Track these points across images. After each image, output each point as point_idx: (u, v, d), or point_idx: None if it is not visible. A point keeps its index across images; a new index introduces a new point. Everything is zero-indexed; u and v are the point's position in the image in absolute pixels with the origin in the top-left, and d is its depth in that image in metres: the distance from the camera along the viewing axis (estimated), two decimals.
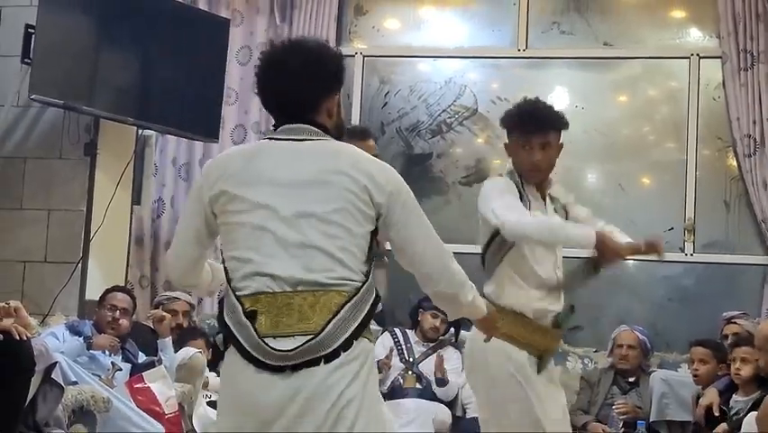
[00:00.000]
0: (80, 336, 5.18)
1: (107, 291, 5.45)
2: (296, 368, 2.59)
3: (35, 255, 5.90)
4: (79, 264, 5.87)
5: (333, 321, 2.61)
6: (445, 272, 2.80)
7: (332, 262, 2.66)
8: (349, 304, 2.65)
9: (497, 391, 3.58)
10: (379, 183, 2.73)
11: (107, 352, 5.18)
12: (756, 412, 4.35)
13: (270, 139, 2.83)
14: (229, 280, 2.72)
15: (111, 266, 6.07)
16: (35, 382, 4.22)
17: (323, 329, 2.60)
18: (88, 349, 5.16)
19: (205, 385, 5.59)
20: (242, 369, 2.63)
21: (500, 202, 3.57)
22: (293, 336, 2.59)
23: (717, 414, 4.92)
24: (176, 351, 5.44)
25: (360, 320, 2.66)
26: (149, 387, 5.06)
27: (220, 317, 2.72)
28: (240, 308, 2.64)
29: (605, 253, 3.52)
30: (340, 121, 2.89)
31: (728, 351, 5.16)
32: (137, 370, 5.21)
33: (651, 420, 5.44)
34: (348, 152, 2.80)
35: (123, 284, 5.93)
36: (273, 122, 2.91)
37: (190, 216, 2.85)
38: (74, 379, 4.75)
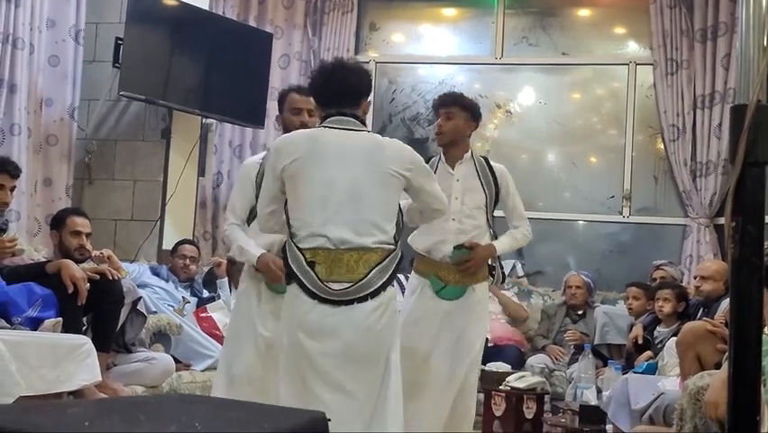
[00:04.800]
0: (158, 276, 5.24)
1: (178, 243, 5.49)
2: (349, 303, 2.77)
3: (124, 215, 5.93)
4: (158, 222, 5.89)
5: (374, 270, 2.79)
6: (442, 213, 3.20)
7: (375, 229, 2.82)
8: (387, 259, 2.83)
9: None
10: (406, 163, 2.92)
11: (179, 288, 5.22)
12: (675, 338, 4.37)
13: (326, 127, 2.93)
14: (292, 235, 2.83)
15: (181, 224, 6.10)
16: (124, 312, 4.25)
17: (365, 276, 2.78)
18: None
19: None
20: (306, 302, 2.78)
21: None
22: (342, 282, 2.76)
23: (641, 342, 4.96)
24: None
25: (391, 271, 2.84)
26: (211, 316, 5.10)
27: (285, 262, 2.84)
28: (302, 258, 2.78)
29: None
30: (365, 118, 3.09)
31: (655, 292, 5.18)
32: (202, 303, 5.25)
33: (594, 343, 5.47)
34: (385, 141, 2.99)
35: (191, 238, 5.96)
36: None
37: (269, 183, 2.98)
38: (154, 310, 4.79)
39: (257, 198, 3.46)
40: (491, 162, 3.95)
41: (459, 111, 3.86)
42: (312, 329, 2.78)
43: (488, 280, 3.91)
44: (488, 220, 3.85)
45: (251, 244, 3.44)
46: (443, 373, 3.76)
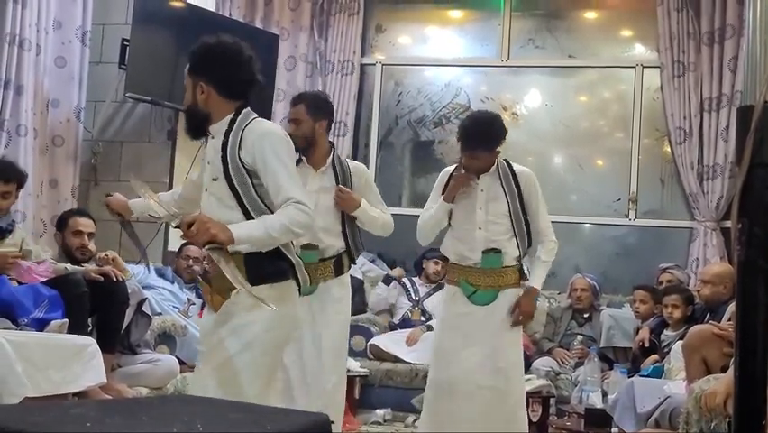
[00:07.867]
0: (163, 277, 5.24)
1: (184, 244, 5.44)
2: None
3: (129, 217, 5.91)
4: (163, 224, 5.86)
5: None
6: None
7: None
8: None
9: None
10: None
11: (184, 289, 5.21)
12: (681, 341, 4.36)
13: None
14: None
15: None
16: (129, 313, 4.26)
17: None
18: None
19: None
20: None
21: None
22: None
23: (647, 346, 4.95)
24: None
25: None
26: None
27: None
28: None
29: None
30: None
31: (662, 295, 5.16)
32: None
33: (600, 347, 5.45)
34: None
35: None
36: None
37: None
38: (159, 311, 4.79)
39: None
40: (514, 167, 3.92)
41: (484, 153, 3.78)
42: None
43: (520, 286, 3.92)
44: (512, 225, 3.85)
45: None
46: (476, 377, 3.77)
